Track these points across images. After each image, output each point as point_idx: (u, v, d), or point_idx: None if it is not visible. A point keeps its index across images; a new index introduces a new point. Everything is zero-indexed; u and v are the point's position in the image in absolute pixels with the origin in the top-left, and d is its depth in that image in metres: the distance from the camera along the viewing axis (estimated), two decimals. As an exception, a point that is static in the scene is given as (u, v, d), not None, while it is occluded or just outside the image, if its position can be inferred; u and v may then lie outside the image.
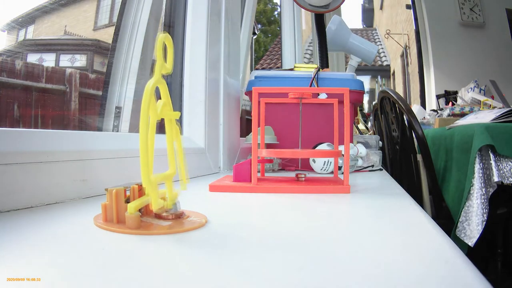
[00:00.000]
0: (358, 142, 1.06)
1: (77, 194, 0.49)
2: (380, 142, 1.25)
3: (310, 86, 0.98)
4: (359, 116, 1.98)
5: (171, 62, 0.35)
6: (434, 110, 2.20)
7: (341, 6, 1.27)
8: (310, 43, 3.11)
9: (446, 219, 1.20)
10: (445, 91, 2.46)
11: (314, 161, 0.86)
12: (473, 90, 1.96)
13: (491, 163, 1.02)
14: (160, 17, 0.97)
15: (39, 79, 0.71)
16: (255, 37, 2.05)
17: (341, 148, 0.67)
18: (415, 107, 2.66)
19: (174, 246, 0.30)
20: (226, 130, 0.99)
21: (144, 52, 0.90)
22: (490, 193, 1.02)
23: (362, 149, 0.94)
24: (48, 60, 0.77)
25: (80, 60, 0.85)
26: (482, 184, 1.02)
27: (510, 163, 1.01)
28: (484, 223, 0.99)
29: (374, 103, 2.41)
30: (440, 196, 1.27)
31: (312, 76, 0.99)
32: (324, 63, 1.23)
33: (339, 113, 0.65)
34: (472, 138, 1.06)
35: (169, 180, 0.37)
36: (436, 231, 0.35)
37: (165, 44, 0.35)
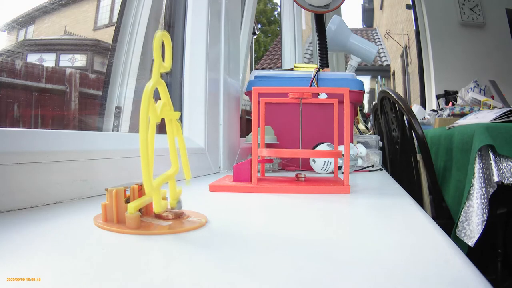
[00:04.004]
0: (358, 142, 1.06)
1: (77, 194, 0.49)
2: (380, 142, 1.25)
3: (310, 86, 0.98)
4: (359, 116, 1.98)
5: (169, 60, 0.35)
6: (434, 110, 2.20)
7: (341, 6, 1.27)
8: (310, 43, 3.11)
9: (446, 219, 1.20)
10: (445, 91, 2.45)
11: (314, 161, 0.86)
12: (473, 90, 1.96)
13: (491, 163, 1.02)
14: (160, 17, 0.97)
15: (39, 79, 0.71)
16: (255, 37, 2.04)
17: (341, 148, 0.67)
18: (415, 107, 2.66)
19: (174, 246, 0.30)
20: (226, 130, 0.99)
21: (144, 52, 0.90)
22: (490, 193, 1.02)
23: (362, 149, 0.94)
24: (48, 60, 0.77)
25: (80, 60, 0.85)
26: (482, 184, 1.02)
27: (510, 163, 1.01)
28: (484, 223, 0.99)
29: (374, 103, 2.41)
30: (440, 196, 1.27)
31: (312, 76, 0.99)
32: (324, 63, 1.23)
33: (339, 113, 0.65)
34: (472, 138, 1.06)
35: (172, 179, 0.37)
36: (436, 231, 0.35)
37: (163, 43, 0.35)
